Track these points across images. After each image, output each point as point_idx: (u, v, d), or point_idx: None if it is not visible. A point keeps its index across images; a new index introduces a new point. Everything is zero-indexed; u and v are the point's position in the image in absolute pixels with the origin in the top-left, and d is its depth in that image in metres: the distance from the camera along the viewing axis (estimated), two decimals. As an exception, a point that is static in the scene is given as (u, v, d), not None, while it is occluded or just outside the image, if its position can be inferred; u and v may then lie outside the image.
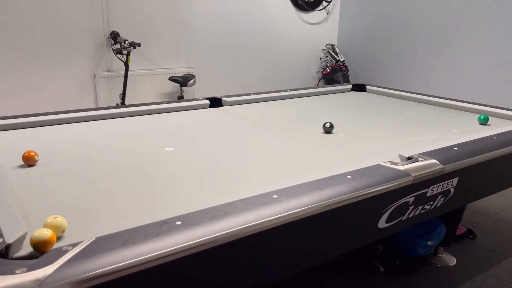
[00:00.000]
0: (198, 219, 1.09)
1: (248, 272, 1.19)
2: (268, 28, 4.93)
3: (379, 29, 4.97)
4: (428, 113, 2.58)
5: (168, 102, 2.51)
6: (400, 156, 1.68)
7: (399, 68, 4.82)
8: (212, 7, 4.47)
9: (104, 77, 3.96)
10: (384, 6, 4.87)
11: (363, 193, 1.35)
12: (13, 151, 1.70)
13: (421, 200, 1.62)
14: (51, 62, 3.74)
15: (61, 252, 0.91)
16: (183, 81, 4.10)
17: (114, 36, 3.82)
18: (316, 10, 5.23)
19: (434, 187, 1.64)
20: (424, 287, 2.18)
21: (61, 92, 3.84)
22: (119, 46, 3.73)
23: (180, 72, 4.35)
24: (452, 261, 2.43)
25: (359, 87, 3.32)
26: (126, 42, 3.63)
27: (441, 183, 1.66)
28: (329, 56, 5.22)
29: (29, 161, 1.54)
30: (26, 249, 0.96)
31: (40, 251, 0.92)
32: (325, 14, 5.34)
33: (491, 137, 1.95)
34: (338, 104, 2.81)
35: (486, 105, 2.63)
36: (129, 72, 3.94)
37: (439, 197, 1.70)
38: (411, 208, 1.60)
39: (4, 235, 0.97)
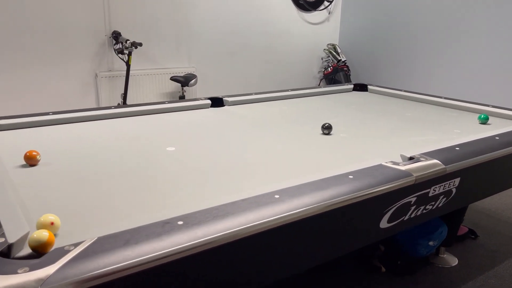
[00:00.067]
0: (200, 219, 1.09)
1: (249, 272, 1.19)
2: (270, 28, 4.93)
3: (380, 29, 4.96)
4: (430, 113, 2.58)
5: (169, 102, 2.51)
6: (402, 156, 1.68)
7: (400, 68, 4.81)
8: (214, 7, 4.47)
9: (105, 77, 3.96)
10: (385, 6, 4.87)
11: (364, 193, 1.34)
12: (15, 150, 1.70)
13: (423, 200, 1.62)
14: (52, 62, 3.74)
15: (63, 251, 0.91)
16: (185, 81, 4.10)
17: (116, 36, 3.82)
18: (318, 10, 5.23)
19: (436, 187, 1.64)
20: None
21: (62, 92, 3.84)
22: (120, 46, 3.73)
23: (181, 72, 4.35)
24: (454, 261, 2.42)
25: (361, 87, 3.31)
26: (128, 42, 3.64)
27: (443, 183, 1.66)
28: (330, 56, 5.22)
29: (31, 160, 1.54)
30: (28, 248, 0.96)
31: (41, 252, 0.92)
32: (327, 14, 5.34)
33: (493, 137, 1.95)
34: (340, 104, 2.81)
35: (487, 105, 2.62)
36: (130, 72, 3.95)
37: (441, 197, 1.70)
38: (412, 208, 1.60)
39: (6, 234, 0.97)
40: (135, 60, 4.12)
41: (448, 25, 4.27)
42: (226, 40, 4.65)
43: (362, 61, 5.25)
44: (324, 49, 5.33)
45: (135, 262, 0.91)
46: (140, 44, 3.64)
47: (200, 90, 4.58)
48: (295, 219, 1.19)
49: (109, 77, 3.98)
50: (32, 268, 0.84)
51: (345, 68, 5.10)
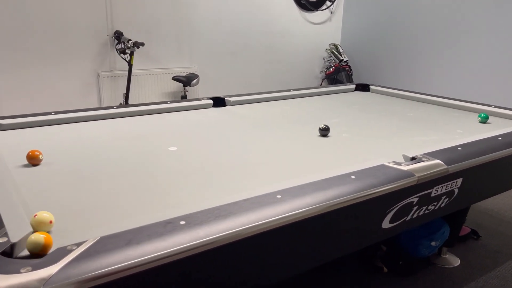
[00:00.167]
0: (202, 219, 1.09)
1: (251, 272, 1.19)
2: (272, 27, 4.93)
3: (382, 29, 4.96)
4: (432, 113, 2.57)
5: (171, 102, 2.52)
6: (404, 156, 1.68)
7: (402, 68, 4.80)
8: (216, 7, 4.47)
9: (107, 77, 3.97)
10: (387, 6, 4.86)
11: (367, 194, 1.34)
12: (18, 150, 1.71)
13: (425, 200, 1.62)
14: (55, 62, 3.75)
15: (66, 251, 0.91)
16: (187, 80, 4.10)
17: (118, 35, 3.83)
18: (320, 10, 5.22)
19: (438, 188, 1.63)
20: (428, 288, 2.18)
21: (65, 91, 3.85)
22: (122, 46, 3.73)
23: (183, 71, 4.35)
24: (456, 261, 2.42)
25: (363, 87, 3.31)
26: (130, 41, 3.64)
27: (445, 184, 1.66)
28: (332, 56, 5.21)
29: (33, 160, 1.54)
30: (31, 248, 0.96)
31: (41, 254, 0.92)
32: (329, 13, 5.33)
33: (495, 137, 1.94)
34: (342, 104, 2.80)
35: (490, 105, 2.62)
36: (132, 71, 3.95)
37: (443, 197, 1.70)
38: (415, 208, 1.59)
39: (9, 234, 0.98)
40: (137, 60, 4.13)
41: (450, 25, 4.26)
42: (228, 40, 4.65)
43: (364, 61, 5.25)
44: (326, 49, 5.33)
45: (137, 262, 0.91)
46: (142, 44, 3.65)
47: (202, 90, 4.58)
48: (297, 219, 1.18)
49: (111, 77, 3.99)
50: (35, 268, 0.85)
51: (347, 68, 5.10)
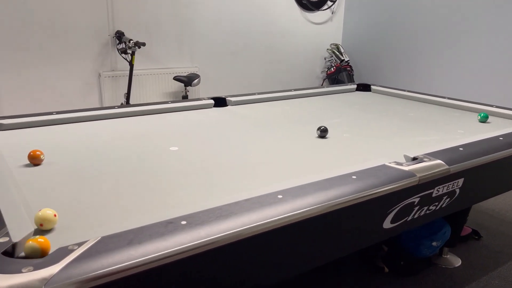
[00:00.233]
0: (203, 219, 1.09)
1: (252, 272, 1.19)
2: (273, 27, 4.93)
3: (383, 29, 4.95)
4: (433, 113, 2.57)
5: (172, 102, 2.52)
6: (405, 156, 1.68)
7: (403, 68, 4.80)
8: (217, 7, 4.47)
9: (108, 77, 3.97)
10: (388, 6, 4.86)
11: (368, 194, 1.34)
12: (19, 150, 1.71)
13: (427, 200, 1.61)
14: (56, 62, 3.75)
15: (67, 251, 0.92)
16: (188, 80, 4.11)
17: (119, 35, 3.83)
18: (321, 10, 5.22)
19: (439, 188, 1.63)
20: (429, 288, 2.18)
21: (66, 91, 3.86)
22: (123, 46, 3.74)
23: (184, 71, 4.36)
24: (457, 262, 2.42)
25: (364, 87, 3.31)
26: (131, 41, 3.64)
27: (447, 184, 1.66)
28: (333, 56, 5.21)
29: (34, 160, 1.54)
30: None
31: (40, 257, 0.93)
32: (330, 13, 5.33)
33: (497, 137, 1.94)
34: (343, 104, 2.80)
35: (491, 105, 2.61)
36: (133, 71, 3.95)
37: (445, 197, 1.70)
38: (416, 208, 1.59)
39: (11, 234, 0.98)
40: (138, 60, 4.13)
41: (451, 25, 4.26)
42: (229, 40, 4.65)
43: (365, 61, 5.24)
44: (327, 49, 5.33)
45: (138, 262, 0.91)
46: (144, 44, 3.65)
47: (203, 90, 4.58)
48: (298, 219, 1.18)
49: (112, 77, 3.99)
50: (36, 268, 0.85)
51: (348, 68, 5.10)
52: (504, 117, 2.48)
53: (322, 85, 5.42)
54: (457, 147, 1.76)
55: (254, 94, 2.82)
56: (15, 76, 3.60)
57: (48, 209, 1.07)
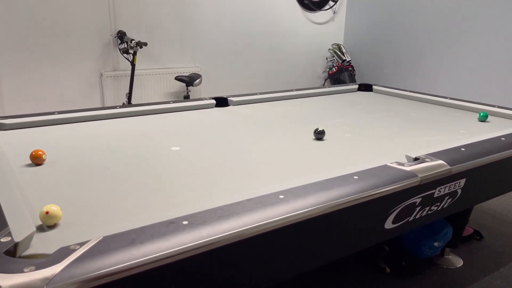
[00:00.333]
0: (205, 219, 1.09)
1: (254, 273, 1.19)
2: (274, 27, 4.93)
3: (385, 29, 4.95)
4: (435, 113, 2.57)
5: (174, 102, 2.52)
6: (407, 156, 1.68)
7: (405, 68, 4.80)
8: (218, 7, 4.47)
9: (110, 77, 3.97)
10: (390, 6, 4.85)
11: (369, 194, 1.34)
12: (21, 150, 1.71)
13: (428, 201, 1.61)
14: (58, 62, 3.76)
15: (69, 251, 0.92)
16: (189, 80, 4.11)
17: (121, 35, 3.83)
18: (323, 10, 5.22)
19: (441, 188, 1.63)
20: (430, 289, 2.18)
21: (68, 91, 3.86)
22: (125, 46, 3.74)
23: (186, 71, 4.36)
24: (459, 262, 2.41)
25: (366, 87, 3.30)
26: (133, 41, 3.65)
27: (448, 184, 1.65)
28: (335, 56, 5.21)
29: (36, 160, 1.55)
30: (34, 248, 0.97)
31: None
32: (332, 13, 5.33)
33: (498, 138, 1.94)
34: (344, 104, 2.80)
35: (493, 106, 2.61)
36: (135, 71, 3.96)
37: (446, 198, 1.70)
38: (418, 209, 1.59)
39: (12, 233, 0.98)
40: (140, 60, 4.14)
41: (453, 25, 4.25)
42: (231, 40, 4.65)
43: (367, 61, 5.24)
44: (329, 49, 5.33)
45: (140, 261, 0.92)
46: (145, 44, 3.65)
47: (205, 90, 4.58)
48: (300, 220, 1.18)
49: (114, 76, 4.00)
50: (38, 267, 0.85)
51: (350, 68, 5.09)
52: (506, 117, 2.48)
53: (323, 85, 5.42)
54: (459, 147, 1.76)
55: (255, 94, 2.82)
56: (17, 76, 3.61)
57: (53, 205, 1.10)
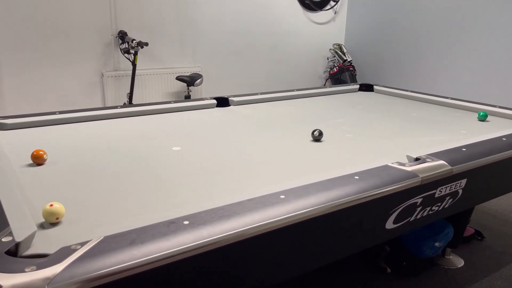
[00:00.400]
0: (206, 219, 1.09)
1: (255, 273, 1.19)
2: (275, 27, 4.93)
3: (386, 29, 4.95)
4: (436, 114, 2.57)
5: (175, 102, 2.52)
6: (408, 157, 1.67)
7: (406, 68, 4.79)
8: (220, 7, 4.47)
9: (111, 77, 3.98)
10: (391, 7, 4.85)
11: (370, 194, 1.34)
12: (22, 150, 1.71)
13: (429, 201, 1.61)
14: (59, 62, 3.76)
15: (70, 251, 0.92)
16: (190, 80, 4.11)
17: (122, 35, 3.84)
18: (324, 10, 5.22)
19: (442, 188, 1.63)
20: (431, 289, 2.17)
21: (69, 91, 3.87)
22: (126, 46, 3.74)
23: (187, 71, 4.36)
24: (460, 262, 2.41)
25: (367, 87, 3.30)
26: (134, 41, 3.65)
27: (449, 184, 1.65)
28: (336, 56, 5.21)
29: (37, 160, 1.55)
30: (35, 247, 0.97)
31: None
32: (333, 13, 5.33)
33: (500, 138, 1.94)
34: (345, 104, 2.80)
35: (494, 106, 2.60)
36: (136, 71, 3.96)
37: (447, 198, 1.69)
38: (418, 209, 1.59)
39: (14, 233, 0.98)
40: (141, 59, 4.14)
41: (454, 25, 4.25)
42: (232, 40, 4.65)
43: (368, 61, 5.24)
44: (330, 49, 5.32)
45: (141, 261, 0.92)
46: (146, 44, 3.65)
47: (206, 90, 4.58)
48: (301, 220, 1.18)
49: (115, 76, 4.00)
50: (39, 267, 0.85)
51: (351, 68, 5.09)
52: (506, 117, 2.47)
53: (324, 85, 5.42)
54: (460, 148, 1.76)
55: (256, 94, 2.82)
56: (18, 76, 3.62)
57: (57, 202, 1.13)
